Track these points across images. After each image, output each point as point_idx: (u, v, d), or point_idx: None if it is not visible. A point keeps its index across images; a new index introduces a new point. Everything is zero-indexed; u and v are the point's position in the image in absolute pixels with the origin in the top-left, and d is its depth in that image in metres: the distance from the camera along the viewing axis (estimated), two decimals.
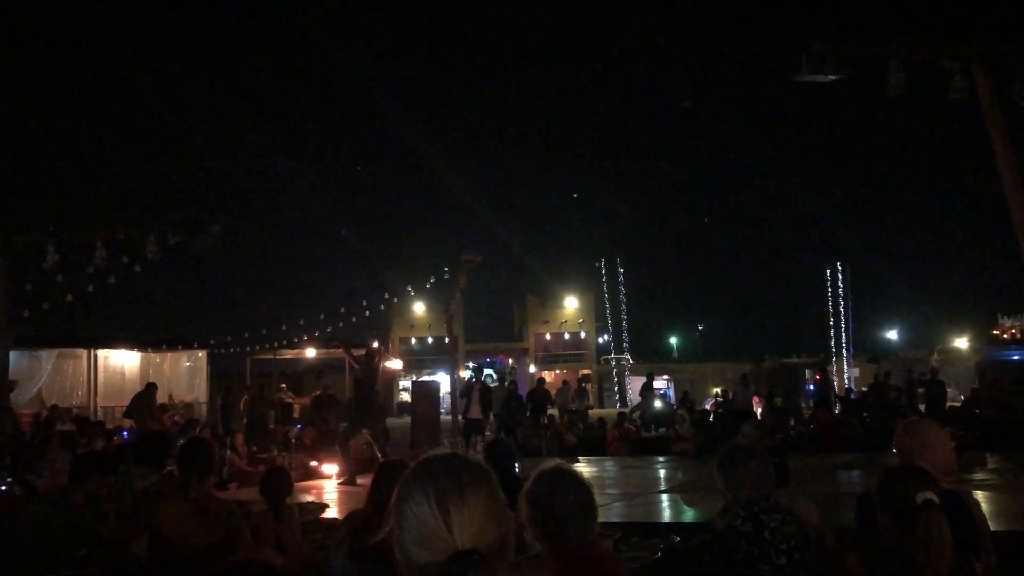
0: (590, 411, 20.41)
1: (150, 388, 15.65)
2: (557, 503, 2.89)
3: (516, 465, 5.35)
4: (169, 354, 24.76)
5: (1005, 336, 32.88)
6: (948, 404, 20.30)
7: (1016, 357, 28.86)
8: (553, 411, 18.83)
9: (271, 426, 18.06)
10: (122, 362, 23.84)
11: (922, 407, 18.91)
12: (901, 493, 3.08)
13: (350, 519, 4.02)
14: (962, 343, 39.92)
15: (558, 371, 43.97)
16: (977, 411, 16.87)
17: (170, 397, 20.13)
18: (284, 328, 21.77)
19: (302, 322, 20.25)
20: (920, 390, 20.62)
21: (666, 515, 7.67)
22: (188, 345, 24.76)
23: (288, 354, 27.02)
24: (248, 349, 24.19)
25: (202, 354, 25.22)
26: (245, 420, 18.37)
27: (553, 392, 21.01)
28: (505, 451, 5.29)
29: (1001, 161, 5.38)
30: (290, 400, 21.50)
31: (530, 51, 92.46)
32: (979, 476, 9.56)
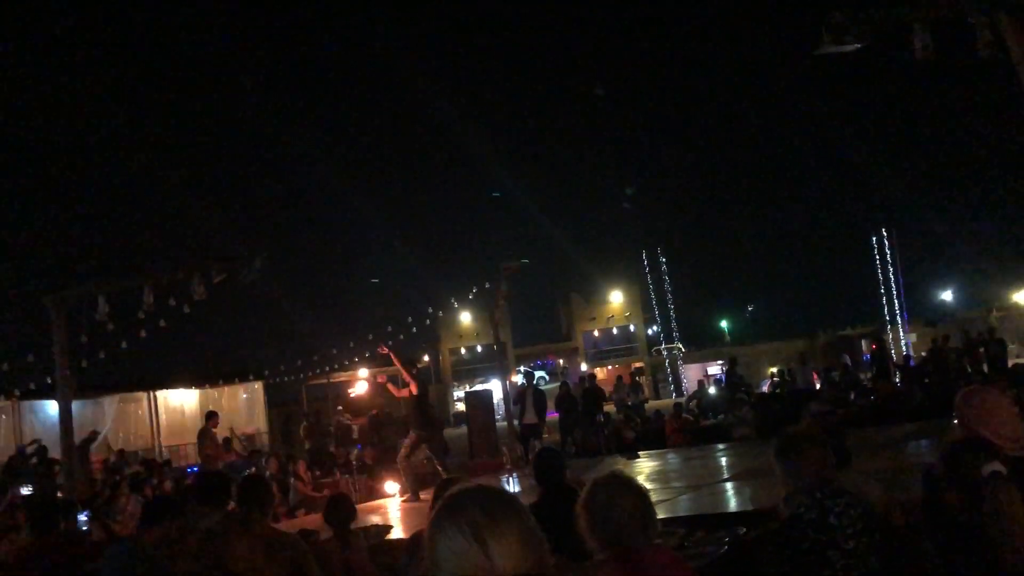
0: (646, 404, 20.27)
1: (208, 417, 15.83)
2: (614, 513, 2.89)
3: (567, 473, 5.28)
4: (226, 388, 25.16)
5: None
6: (1013, 362, 19.79)
7: None
8: (609, 407, 18.71)
9: (331, 449, 18.26)
10: (181, 401, 24.31)
11: (984, 369, 18.45)
12: (966, 467, 3.02)
13: (416, 539, 4.05)
14: (1021, 298, 38.74)
15: (610, 367, 43.86)
16: None
17: (231, 430, 20.49)
18: (335, 352, 21.94)
19: (352, 344, 20.43)
20: (979, 350, 20.14)
21: (733, 504, 7.57)
22: (244, 377, 25.12)
23: (342, 376, 27.32)
24: (302, 376, 24.50)
25: (258, 385, 25.56)
26: (307, 446, 18.61)
27: (609, 389, 20.89)
28: (553, 461, 5.19)
29: None
30: (348, 422, 21.68)
31: (560, 44, 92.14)
32: None
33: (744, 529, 4.92)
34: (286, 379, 24.17)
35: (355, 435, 20.32)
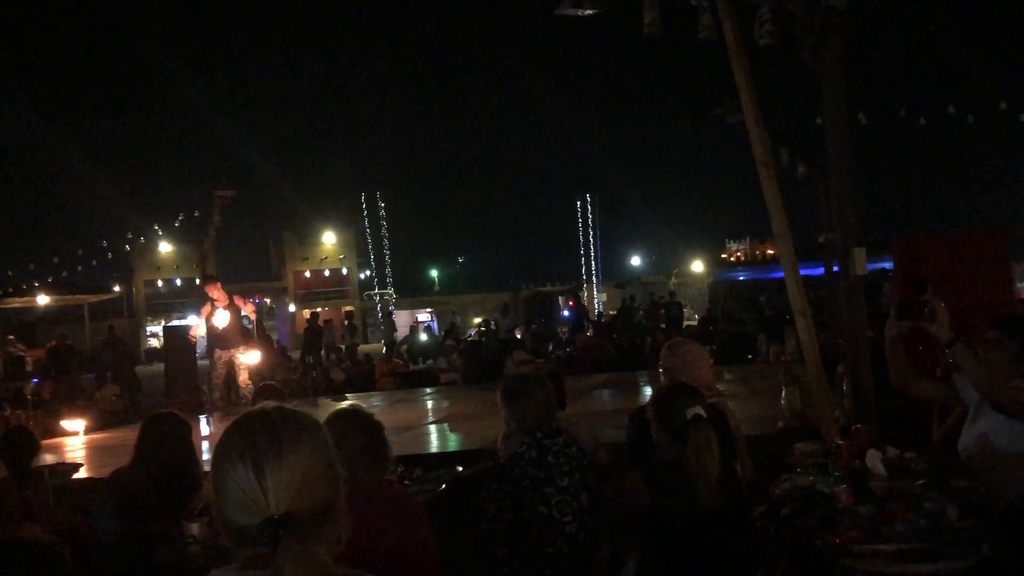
0: (358, 348, 20.27)
1: None
2: (346, 445, 2.82)
3: None
4: None
5: (732, 259, 36.28)
6: (685, 323, 22.17)
7: (742, 277, 31.98)
8: None
9: None
10: None
11: (663, 327, 20.49)
12: (674, 409, 3.29)
13: (116, 479, 3.70)
14: (697, 266, 43.42)
15: (320, 309, 43.22)
16: (711, 328, 18.49)
17: None
18: (10, 274, 19.49)
19: (32, 267, 18.24)
20: (661, 311, 22.38)
21: (444, 445, 7.75)
22: None
23: (15, 303, 24.44)
24: None
25: None
26: None
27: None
28: (274, 397, 5.09)
29: (744, 99, 5.78)
30: (21, 353, 19.57)
31: None
32: (720, 387, 10.47)
33: (460, 468, 5.06)
34: None
35: (28, 367, 18.48)
